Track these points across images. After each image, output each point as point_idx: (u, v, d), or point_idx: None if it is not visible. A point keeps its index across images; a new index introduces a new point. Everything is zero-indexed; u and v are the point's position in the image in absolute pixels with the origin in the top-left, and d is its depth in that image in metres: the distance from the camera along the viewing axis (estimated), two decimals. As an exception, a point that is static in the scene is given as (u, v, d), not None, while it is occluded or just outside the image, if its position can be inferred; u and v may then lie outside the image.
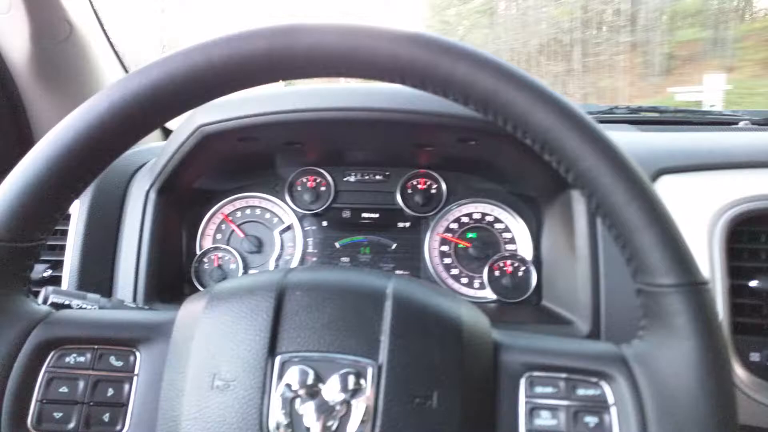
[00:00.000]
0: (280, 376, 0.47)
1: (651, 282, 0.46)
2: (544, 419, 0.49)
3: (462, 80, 0.46)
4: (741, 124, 1.36)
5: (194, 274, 1.13)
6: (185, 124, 0.94)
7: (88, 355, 0.53)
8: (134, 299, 0.96)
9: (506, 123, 0.47)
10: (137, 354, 0.54)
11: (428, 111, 0.88)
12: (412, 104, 0.89)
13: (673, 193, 0.89)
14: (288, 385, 0.47)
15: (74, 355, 0.53)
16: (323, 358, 0.48)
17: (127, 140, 0.51)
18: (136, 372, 0.53)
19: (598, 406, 0.49)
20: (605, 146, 0.46)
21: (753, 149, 0.98)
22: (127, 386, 0.53)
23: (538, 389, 0.50)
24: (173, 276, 1.10)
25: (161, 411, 0.50)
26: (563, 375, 0.50)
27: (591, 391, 0.49)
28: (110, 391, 0.52)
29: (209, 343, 0.50)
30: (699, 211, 0.87)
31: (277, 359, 0.48)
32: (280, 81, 0.51)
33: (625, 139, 0.98)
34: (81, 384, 0.52)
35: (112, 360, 0.53)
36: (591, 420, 0.48)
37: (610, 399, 0.48)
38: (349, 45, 0.46)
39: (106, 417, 0.52)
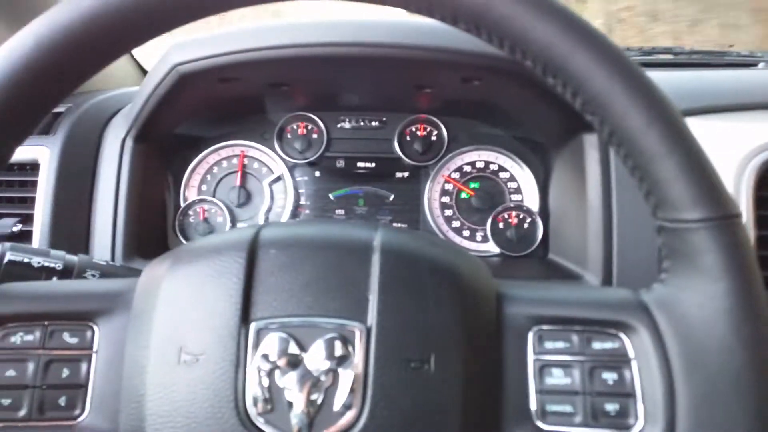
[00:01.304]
0: (256, 346, 0.42)
1: (674, 217, 0.40)
2: (557, 378, 0.44)
3: None
4: (760, 66, 1.28)
5: (178, 228, 1.07)
6: (160, 64, 0.86)
7: (38, 333, 0.47)
8: (112, 256, 0.90)
9: (502, 43, 0.41)
10: (95, 328, 0.48)
11: (428, 46, 0.80)
12: (409, 39, 0.81)
13: (696, 137, 0.82)
14: (265, 356, 0.41)
15: (21, 333, 0.46)
16: (304, 323, 0.43)
17: (80, 68, 0.42)
18: (94, 349, 0.47)
19: (617, 361, 0.44)
20: (619, 62, 0.39)
21: None
22: (84, 365, 0.47)
23: (549, 344, 0.45)
24: (156, 230, 1.04)
25: (124, 391, 0.44)
26: (576, 327, 0.45)
27: (608, 344, 0.44)
28: (65, 372, 0.46)
29: (173, 312, 0.44)
30: (725, 156, 0.81)
31: (252, 327, 0.43)
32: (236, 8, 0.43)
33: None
34: (31, 365, 0.46)
35: (66, 337, 0.47)
36: (609, 376, 0.44)
37: (631, 352, 0.44)
38: None
39: (62, 401, 0.46)
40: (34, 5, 1.10)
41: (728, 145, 0.81)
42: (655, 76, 0.98)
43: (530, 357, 0.45)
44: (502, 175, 1.08)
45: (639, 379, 0.43)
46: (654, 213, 0.42)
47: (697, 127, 0.84)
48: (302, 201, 1.11)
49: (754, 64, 1.28)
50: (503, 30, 0.40)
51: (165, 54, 0.86)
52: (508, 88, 0.87)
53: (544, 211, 1.05)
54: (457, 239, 1.09)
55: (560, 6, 0.40)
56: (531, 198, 1.06)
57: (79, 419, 0.45)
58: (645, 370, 0.42)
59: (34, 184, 0.90)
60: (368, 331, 0.42)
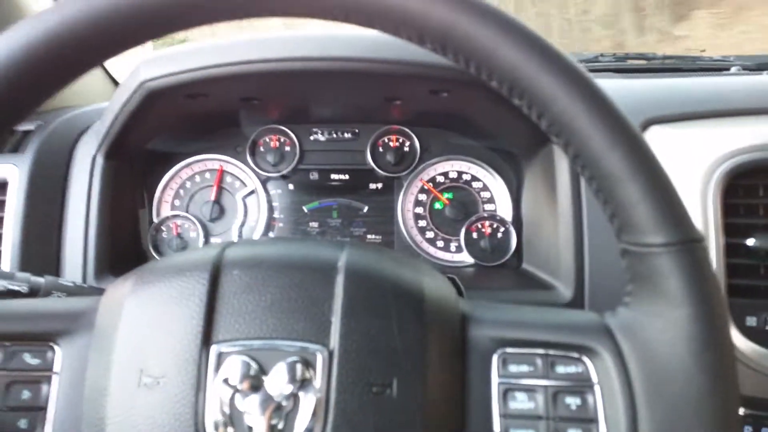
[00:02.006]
0: (217, 369, 0.41)
1: (637, 241, 0.40)
2: (520, 402, 0.44)
3: (415, 14, 0.39)
4: (733, 70, 1.29)
5: (152, 244, 1.06)
6: (128, 81, 0.86)
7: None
8: (83, 275, 0.89)
9: (468, 63, 0.41)
10: (56, 349, 0.47)
11: (395, 59, 0.80)
12: (378, 53, 0.81)
13: (663, 145, 0.83)
14: (226, 380, 0.41)
15: None
16: (266, 346, 0.42)
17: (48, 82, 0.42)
18: (55, 370, 0.46)
19: (581, 386, 0.43)
20: (583, 85, 0.39)
21: (748, 95, 0.92)
22: (45, 387, 0.46)
23: (513, 368, 0.44)
24: (129, 247, 1.03)
25: (85, 414, 0.43)
26: (540, 351, 0.45)
27: (572, 369, 0.44)
28: (26, 394, 0.45)
29: (135, 334, 0.43)
30: (692, 163, 0.81)
31: (213, 349, 0.42)
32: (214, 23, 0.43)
33: (610, 86, 0.89)
34: None
35: (27, 357, 0.46)
36: (572, 401, 0.43)
37: (594, 377, 0.43)
38: None
39: (22, 423, 0.45)
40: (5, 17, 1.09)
41: (696, 153, 0.81)
42: (627, 82, 0.99)
43: (494, 380, 0.44)
44: (475, 185, 1.08)
45: (602, 404, 0.42)
46: (618, 236, 0.42)
47: (666, 134, 0.84)
48: (276, 214, 1.10)
49: (726, 69, 1.29)
50: (468, 51, 0.40)
51: (133, 70, 0.85)
52: (477, 99, 0.87)
53: (518, 221, 1.05)
54: (431, 250, 1.08)
55: (525, 28, 0.40)
56: (504, 207, 1.06)
57: None
58: (608, 395, 0.42)
59: (2, 203, 0.88)
60: (330, 354, 0.41)
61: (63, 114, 1.02)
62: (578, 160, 0.41)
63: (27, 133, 0.95)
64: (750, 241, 0.78)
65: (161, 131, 1.01)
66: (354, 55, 0.81)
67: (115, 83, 1.39)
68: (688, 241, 0.39)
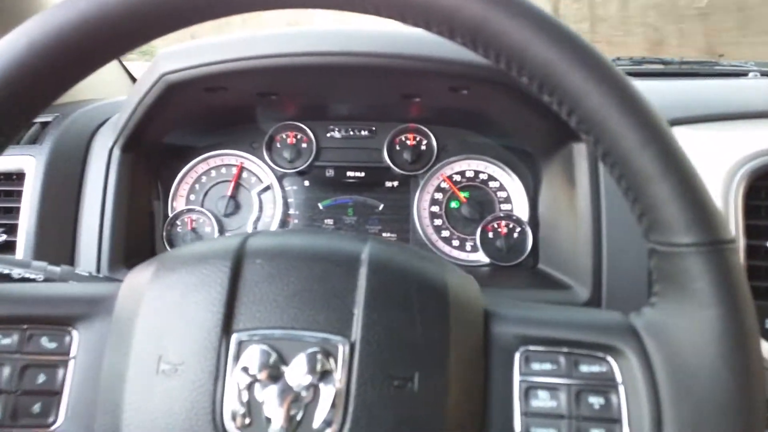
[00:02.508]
0: (236, 358, 0.41)
1: (667, 241, 0.39)
2: (542, 400, 0.43)
3: (445, 7, 0.39)
4: (750, 75, 1.28)
5: (166, 239, 1.06)
6: (147, 74, 0.86)
7: (16, 337, 0.45)
8: (98, 267, 0.89)
9: (498, 58, 0.40)
10: (74, 334, 0.46)
11: (416, 55, 0.80)
12: (397, 48, 0.80)
13: (685, 146, 0.82)
14: (245, 368, 0.40)
15: None
16: (286, 336, 0.41)
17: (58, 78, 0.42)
18: (72, 355, 0.46)
19: (604, 385, 0.42)
20: (616, 82, 0.39)
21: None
22: (61, 371, 0.45)
23: (535, 366, 0.44)
24: (143, 240, 1.03)
25: (100, 399, 0.43)
26: (564, 349, 0.44)
27: (596, 368, 0.43)
28: (41, 378, 0.45)
29: (155, 320, 0.43)
30: (715, 165, 0.80)
31: (233, 338, 0.41)
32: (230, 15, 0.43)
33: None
34: (6, 370, 0.44)
35: (44, 341, 0.46)
36: (596, 401, 0.42)
37: (618, 377, 0.42)
38: None
39: (36, 408, 0.44)
40: (24, 8, 1.10)
41: (718, 154, 0.81)
42: (645, 85, 0.99)
43: (516, 378, 0.44)
44: (491, 184, 1.08)
45: (626, 404, 0.42)
46: (646, 235, 0.42)
47: (688, 136, 0.84)
48: (291, 210, 1.10)
49: (744, 74, 1.28)
50: (499, 46, 0.39)
51: (152, 63, 0.86)
52: (496, 97, 0.87)
53: (534, 221, 1.04)
54: (446, 249, 1.08)
55: (558, 23, 0.39)
56: (521, 207, 1.06)
57: (53, 427, 0.44)
58: (632, 395, 0.41)
59: (19, 194, 0.89)
60: (352, 346, 0.41)
61: (81, 107, 1.02)
62: (608, 158, 0.40)
63: (45, 124, 0.96)
64: None
65: (178, 125, 1.01)
66: (374, 50, 0.81)
67: (132, 78, 1.39)
68: (719, 242, 0.39)
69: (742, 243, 0.77)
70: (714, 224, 0.39)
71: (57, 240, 0.89)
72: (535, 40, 0.38)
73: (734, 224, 0.78)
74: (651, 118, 0.39)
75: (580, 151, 0.86)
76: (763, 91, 0.97)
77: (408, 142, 1.08)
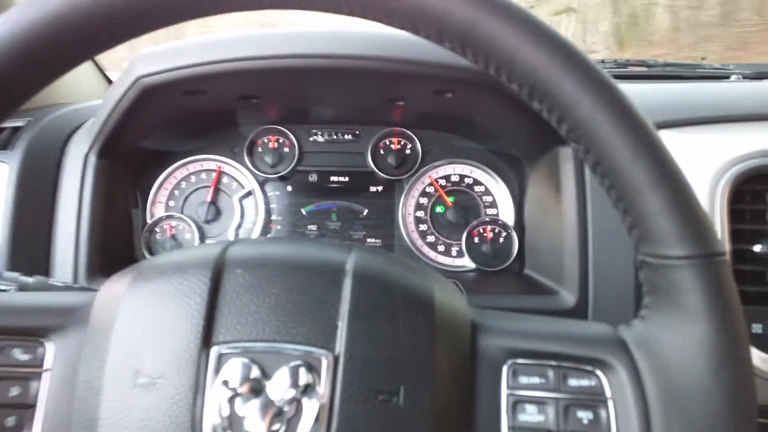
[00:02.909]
0: (217, 371, 0.39)
1: (658, 253, 0.39)
2: (530, 414, 0.42)
3: (434, 11, 0.38)
4: (732, 78, 1.29)
5: (145, 246, 1.03)
6: (123, 77, 0.83)
7: None
8: (74, 277, 0.86)
9: (487, 64, 0.39)
10: (48, 345, 0.45)
11: (399, 58, 0.79)
12: (380, 51, 0.79)
13: (670, 150, 0.82)
14: (225, 382, 0.39)
15: None
16: (268, 349, 0.40)
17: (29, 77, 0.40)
18: (46, 367, 0.44)
19: (593, 399, 0.42)
20: (607, 92, 0.38)
21: (751, 102, 0.92)
22: (35, 384, 0.44)
23: (523, 379, 0.43)
24: (121, 249, 1.00)
25: (75, 413, 0.41)
26: (552, 362, 0.43)
27: (585, 382, 0.43)
28: (15, 391, 0.43)
29: (131, 331, 0.41)
30: (699, 169, 0.80)
31: (213, 351, 0.40)
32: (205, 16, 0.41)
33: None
34: None
35: (17, 353, 0.44)
36: (584, 415, 0.42)
37: (608, 391, 0.42)
38: None
39: (10, 421, 0.43)
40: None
41: (703, 158, 0.81)
42: (629, 88, 0.99)
43: (504, 392, 0.43)
44: (477, 188, 1.07)
45: (615, 419, 0.41)
46: (636, 247, 0.41)
47: (672, 139, 0.84)
48: (273, 216, 1.08)
49: (726, 77, 1.29)
50: (488, 51, 0.39)
51: (128, 66, 0.83)
52: (481, 100, 0.86)
53: (520, 226, 1.03)
54: (431, 254, 1.07)
55: (549, 30, 0.39)
56: (506, 212, 1.05)
57: None
58: (621, 410, 0.41)
59: None
60: (336, 359, 0.40)
61: (54, 111, 1.00)
62: (598, 168, 0.40)
63: (16, 129, 0.93)
64: (757, 248, 0.78)
65: (156, 129, 0.98)
66: (356, 53, 0.79)
67: (108, 81, 1.37)
68: (711, 255, 0.38)
69: (728, 248, 0.77)
70: (706, 237, 0.38)
71: (31, 249, 0.87)
72: (525, 47, 0.38)
73: (720, 228, 0.78)
74: (642, 128, 0.38)
75: (566, 155, 0.85)
76: (746, 95, 0.98)
77: (392, 147, 1.07)
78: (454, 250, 1.06)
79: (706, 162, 0.80)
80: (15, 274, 0.64)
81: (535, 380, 0.43)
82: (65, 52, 0.40)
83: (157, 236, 1.04)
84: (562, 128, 0.40)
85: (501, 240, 1.03)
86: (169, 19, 0.40)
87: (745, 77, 1.29)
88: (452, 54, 0.41)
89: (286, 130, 1.07)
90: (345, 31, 0.83)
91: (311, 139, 1.09)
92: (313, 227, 1.08)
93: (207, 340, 0.40)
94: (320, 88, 0.93)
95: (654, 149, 0.38)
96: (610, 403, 0.41)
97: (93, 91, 1.27)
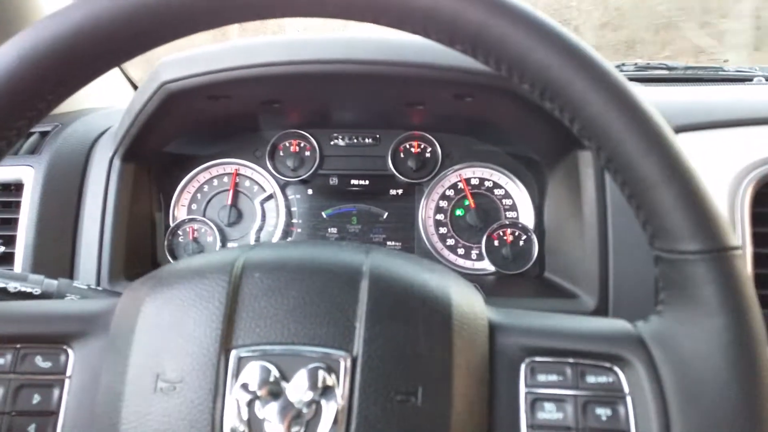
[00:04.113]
0: (236, 375, 0.40)
1: (672, 248, 0.39)
2: (549, 412, 0.43)
3: (446, 14, 0.38)
4: (755, 81, 1.27)
5: (168, 249, 1.05)
6: (148, 82, 0.85)
7: (9, 356, 0.45)
8: (98, 279, 0.88)
9: (499, 65, 0.40)
10: (69, 352, 0.46)
11: (419, 63, 0.79)
12: (400, 56, 0.79)
13: (692, 153, 0.81)
14: (245, 385, 0.40)
15: None
16: (287, 352, 0.41)
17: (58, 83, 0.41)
18: (67, 374, 0.45)
19: (612, 396, 0.42)
20: (617, 88, 0.39)
21: None
22: (56, 391, 0.44)
23: (541, 377, 0.43)
24: (144, 251, 1.02)
25: (96, 419, 0.42)
26: (570, 360, 0.43)
27: (603, 379, 0.43)
28: (36, 398, 0.44)
29: (152, 337, 0.42)
30: (721, 172, 0.80)
31: (232, 354, 0.41)
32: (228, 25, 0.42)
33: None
34: (0, 391, 0.44)
35: (39, 360, 0.45)
36: (603, 412, 0.42)
37: (626, 387, 0.42)
38: None
39: (31, 429, 0.43)
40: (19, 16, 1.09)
41: (724, 161, 0.80)
42: (650, 91, 0.98)
43: (522, 390, 0.43)
44: (497, 192, 1.07)
45: (634, 415, 0.41)
46: (651, 243, 0.41)
47: (694, 142, 0.83)
48: (294, 219, 1.09)
49: (749, 79, 1.27)
50: (501, 53, 0.39)
51: (153, 71, 0.85)
52: (501, 104, 0.86)
53: (540, 229, 1.03)
54: (451, 257, 1.07)
55: (559, 29, 0.39)
56: (526, 215, 1.05)
57: None
58: (640, 405, 0.41)
59: (17, 204, 0.88)
60: (354, 360, 0.40)
61: (80, 116, 1.02)
62: (611, 165, 0.40)
63: (44, 134, 0.95)
64: None
65: (180, 134, 1.00)
66: (377, 58, 0.80)
67: (134, 85, 1.39)
68: (725, 249, 0.38)
69: (749, 251, 0.76)
70: (719, 231, 0.38)
71: (56, 251, 0.88)
72: (535, 47, 0.38)
73: (741, 232, 0.77)
74: (653, 124, 0.38)
75: (586, 158, 0.85)
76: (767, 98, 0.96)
77: (412, 151, 1.07)
78: (474, 253, 1.06)
79: (727, 165, 0.80)
80: (40, 277, 0.65)
81: (553, 378, 0.43)
82: (93, 60, 0.40)
83: (180, 239, 1.06)
84: (574, 126, 0.40)
85: (521, 243, 1.03)
86: (188, 28, 0.41)
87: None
88: (472, 59, 0.41)
89: (307, 134, 1.08)
90: (365, 37, 0.83)
91: (332, 143, 1.09)
92: (334, 230, 1.09)
93: (226, 343, 0.41)
94: (341, 93, 0.94)
95: (665, 145, 0.38)
96: (629, 399, 0.42)
97: (119, 96, 1.29)
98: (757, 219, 0.78)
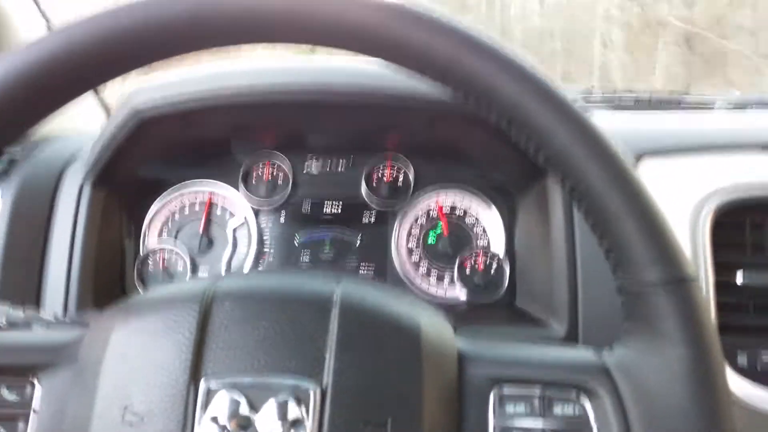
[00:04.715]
0: (205, 406, 0.40)
1: (633, 277, 0.41)
2: None
3: (418, 46, 0.40)
4: (716, 109, 1.31)
5: (138, 278, 1.03)
6: (121, 108, 0.85)
7: None
8: (65, 308, 0.86)
9: (467, 96, 0.41)
10: (36, 384, 0.45)
11: (392, 90, 0.80)
12: (372, 82, 0.80)
13: (654, 179, 0.83)
14: (214, 418, 0.39)
15: None
16: (257, 383, 0.40)
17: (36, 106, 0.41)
18: (33, 407, 0.44)
19: (579, 427, 0.43)
20: (580, 122, 0.40)
21: (735, 131, 0.94)
22: (21, 425, 0.43)
23: (510, 408, 0.44)
24: (114, 280, 1.00)
25: None
26: (537, 390, 0.44)
27: (570, 410, 0.43)
28: (0, 431, 0.43)
29: (121, 367, 0.42)
30: (683, 198, 0.81)
31: (201, 385, 0.40)
32: (209, 49, 0.43)
33: (602, 120, 0.91)
34: None
35: (4, 393, 0.44)
36: None
37: (592, 418, 0.43)
38: (287, 5, 0.39)
39: None
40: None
41: (686, 188, 0.82)
42: (619, 116, 1.00)
43: (491, 420, 0.43)
44: (468, 219, 1.07)
45: None
46: (614, 272, 0.42)
47: (656, 168, 0.85)
48: (266, 247, 1.08)
49: (710, 108, 1.31)
50: (468, 86, 0.40)
51: (125, 98, 0.85)
52: (472, 132, 0.87)
53: (511, 255, 1.04)
54: (423, 285, 1.07)
55: (526, 65, 0.40)
56: (497, 242, 1.05)
57: None
58: None
59: None
60: (323, 391, 0.40)
61: (50, 141, 1.00)
62: (574, 194, 0.42)
63: (13, 160, 0.93)
64: (739, 279, 0.78)
65: (152, 159, 0.99)
66: (349, 85, 0.81)
67: (106, 109, 1.38)
68: (682, 280, 0.40)
69: (711, 280, 0.78)
70: (677, 262, 0.40)
71: (23, 279, 0.86)
72: (502, 81, 0.40)
73: (702, 260, 0.78)
74: (615, 158, 0.40)
75: (555, 186, 0.86)
76: (729, 125, 1.00)
77: (385, 178, 1.08)
78: (446, 281, 1.06)
79: (688, 192, 0.82)
80: (5, 307, 0.64)
81: (521, 409, 0.44)
82: (84, 75, 0.40)
83: (150, 267, 1.04)
84: (539, 157, 0.42)
85: (492, 270, 1.03)
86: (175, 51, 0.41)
87: (729, 108, 1.32)
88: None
89: (279, 162, 1.08)
90: (337, 63, 0.84)
91: (305, 171, 1.09)
92: (306, 257, 1.08)
93: (195, 374, 0.40)
94: (314, 118, 0.94)
95: (626, 177, 0.40)
96: (595, 430, 0.42)
97: (90, 122, 1.28)
98: (717, 247, 0.79)
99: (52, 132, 1.09)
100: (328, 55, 0.92)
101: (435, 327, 0.46)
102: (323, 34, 0.40)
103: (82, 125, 1.20)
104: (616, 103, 1.33)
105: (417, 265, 1.07)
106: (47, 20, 1.21)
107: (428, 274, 1.07)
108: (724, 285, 0.78)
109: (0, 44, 1.08)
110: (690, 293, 0.40)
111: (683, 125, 0.99)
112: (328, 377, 0.40)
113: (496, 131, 0.81)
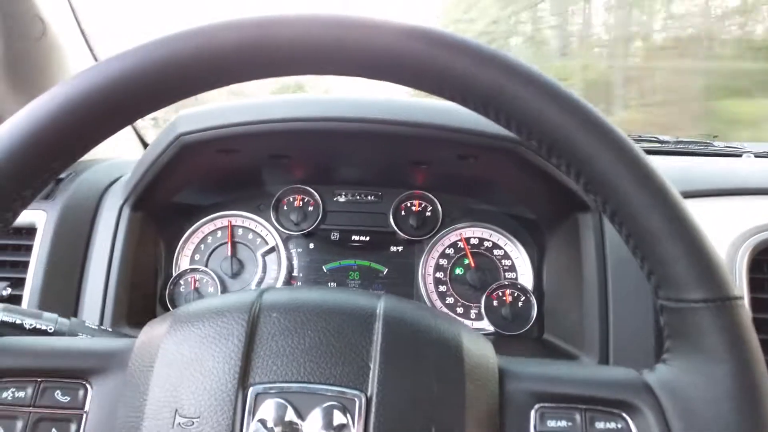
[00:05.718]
0: (253, 412, 0.41)
1: (677, 297, 0.41)
2: None
3: (462, 75, 0.41)
4: (744, 156, 1.32)
5: (169, 298, 1.05)
6: (164, 134, 0.88)
7: (29, 390, 0.45)
8: (100, 322, 0.88)
9: (509, 123, 0.42)
10: (88, 387, 0.46)
11: (426, 123, 0.83)
12: (409, 116, 0.83)
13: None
14: (262, 422, 0.40)
15: (12, 389, 0.45)
16: (303, 390, 0.42)
17: (89, 134, 0.43)
18: (85, 409, 0.46)
19: None
20: (623, 145, 0.41)
21: (765, 177, 0.94)
22: (74, 426, 0.45)
23: (551, 423, 0.44)
24: (146, 299, 1.02)
25: None
26: (579, 406, 0.44)
27: (612, 425, 0.43)
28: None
29: (170, 373, 0.43)
30: (719, 238, 0.81)
31: (250, 391, 0.42)
32: (257, 79, 0.45)
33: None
34: (19, 424, 0.44)
35: (58, 395, 0.46)
36: None
37: None
38: (334, 37, 0.41)
39: None
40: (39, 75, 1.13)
41: (720, 229, 0.82)
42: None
43: None
44: (496, 252, 1.08)
45: None
46: (656, 292, 0.43)
47: (693, 209, 0.85)
48: (295, 272, 1.10)
49: (738, 155, 1.32)
50: (511, 113, 0.42)
51: (170, 124, 0.88)
52: (504, 166, 0.89)
53: (539, 290, 1.04)
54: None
55: (568, 92, 0.41)
56: (525, 276, 1.06)
57: None
58: None
59: (28, 248, 0.90)
60: (368, 400, 0.41)
61: (93, 165, 1.04)
62: (616, 218, 0.42)
63: (58, 181, 0.97)
64: None
65: (188, 185, 1.02)
66: (386, 118, 0.83)
67: (141, 139, 1.43)
68: (728, 298, 0.40)
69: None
70: (723, 281, 0.40)
71: (62, 293, 0.89)
72: (546, 108, 0.41)
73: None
74: (657, 179, 0.41)
75: (586, 221, 0.87)
76: (760, 170, 1.00)
77: (413, 209, 1.10)
78: (473, 313, 1.06)
79: (723, 233, 0.82)
80: (54, 315, 0.66)
81: (563, 424, 0.44)
82: (136, 104, 0.43)
83: (181, 288, 1.06)
84: (580, 181, 0.43)
85: (520, 304, 1.03)
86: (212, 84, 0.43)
87: (757, 156, 1.32)
88: (477, 119, 0.44)
89: (311, 190, 1.11)
90: (373, 96, 0.87)
91: (335, 199, 1.11)
92: (333, 284, 1.09)
93: (244, 381, 0.42)
94: (348, 150, 0.97)
95: (669, 198, 0.40)
96: None
97: (129, 148, 1.33)
98: (754, 285, 0.79)
99: (94, 156, 1.13)
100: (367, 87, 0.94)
101: (476, 342, 0.47)
102: (369, 65, 0.42)
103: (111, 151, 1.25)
104: (645, 147, 1.34)
105: (443, 295, 1.07)
106: (92, 51, 1.27)
107: (455, 305, 1.07)
108: (761, 322, 0.77)
109: (52, 75, 1.14)
110: (736, 311, 0.40)
111: (713, 170, 0.99)
112: (372, 386, 0.41)
113: (528, 166, 0.84)
